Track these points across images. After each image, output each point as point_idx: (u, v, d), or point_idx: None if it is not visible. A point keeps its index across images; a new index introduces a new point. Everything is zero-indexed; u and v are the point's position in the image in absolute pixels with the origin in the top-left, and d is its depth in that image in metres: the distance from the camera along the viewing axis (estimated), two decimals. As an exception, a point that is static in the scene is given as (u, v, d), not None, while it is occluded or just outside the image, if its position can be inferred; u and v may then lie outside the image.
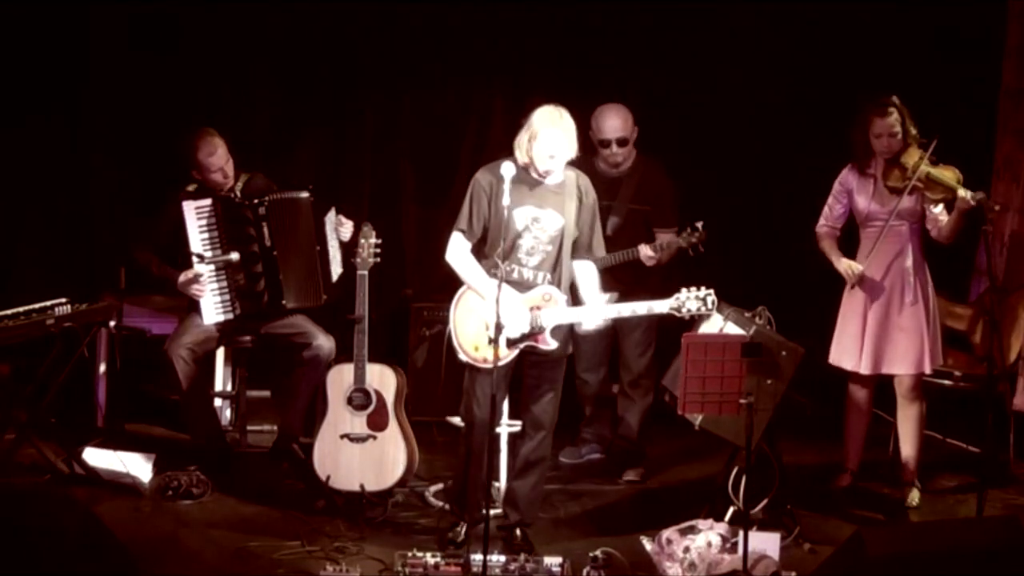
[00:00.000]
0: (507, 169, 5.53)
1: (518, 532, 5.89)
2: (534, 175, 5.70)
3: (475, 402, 5.75)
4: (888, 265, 6.31)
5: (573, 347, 6.32)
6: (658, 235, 6.57)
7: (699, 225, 6.36)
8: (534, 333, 5.68)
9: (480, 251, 5.80)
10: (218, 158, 6.59)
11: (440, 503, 6.34)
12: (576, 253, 5.83)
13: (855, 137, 6.35)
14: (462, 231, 5.76)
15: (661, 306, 5.70)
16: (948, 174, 6.19)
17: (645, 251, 6.47)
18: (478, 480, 5.81)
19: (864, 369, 6.35)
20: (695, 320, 5.80)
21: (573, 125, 5.68)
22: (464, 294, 5.80)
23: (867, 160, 6.36)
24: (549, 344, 5.71)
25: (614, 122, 6.57)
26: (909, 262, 6.31)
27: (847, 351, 6.39)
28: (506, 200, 5.51)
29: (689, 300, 5.64)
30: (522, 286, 5.71)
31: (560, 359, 5.83)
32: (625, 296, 6.12)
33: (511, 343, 5.66)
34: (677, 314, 5.66)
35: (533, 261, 5.74)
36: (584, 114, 7.46)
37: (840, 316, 6.44)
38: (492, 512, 5.72)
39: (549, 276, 5.74)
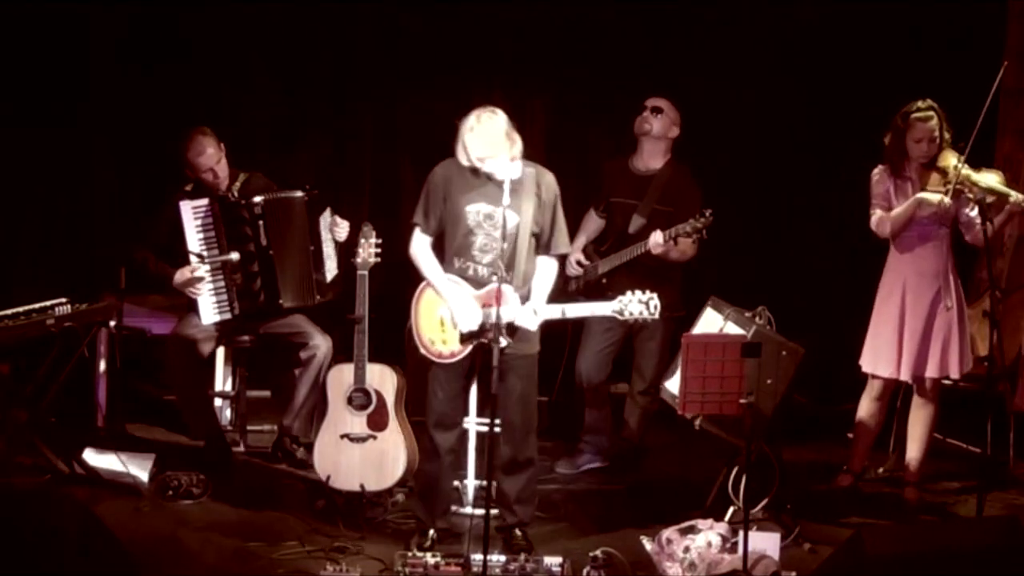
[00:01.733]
0: (508, 166, 5.48)
1: (517, 532, 5.86)
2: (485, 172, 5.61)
3: (432, 397, 5.74)
4: (928, 270, 6.25)
5: (579, 342, 6.28)
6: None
7: (707, 212, 6.34)
8: (484, 330, 5.59)
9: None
10: (207, 158, 6.57)
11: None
12: (537, 250, 5.74)
13: (891, 141, 6.26)
14: (418, 225, 5.74)
15: (604, 308, 5.62)
16: (995, 177, 6.15)
17: (655, 238, 6.43)
18: (431, 478, 5.81)
19: (903, 376, 6.28)
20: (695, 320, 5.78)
21: (496, 123, 5.54)
22: (425, 288, 5.76)
23: (902, 164, 6.28)
24: (499, 342, 5.61)
25: (661, 100, 6.71)
26: (946, 266, 6.26)
27: (883, 358, 6.29)
28: (506, 200, 5.44)
29: (632, 303, 5.53)
30: (477, 283, 5.64)
31: (526, 356, 5.71)
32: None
33: (464, 339, 5.60)
34: (620, 317, 5.56)
35: (487, 259, 5.65)
36: (584, 113, 7.49)
37: (873, 323, 6.36)
38: (492, 512, 5.72)
39: (505, 274, 5.62)
